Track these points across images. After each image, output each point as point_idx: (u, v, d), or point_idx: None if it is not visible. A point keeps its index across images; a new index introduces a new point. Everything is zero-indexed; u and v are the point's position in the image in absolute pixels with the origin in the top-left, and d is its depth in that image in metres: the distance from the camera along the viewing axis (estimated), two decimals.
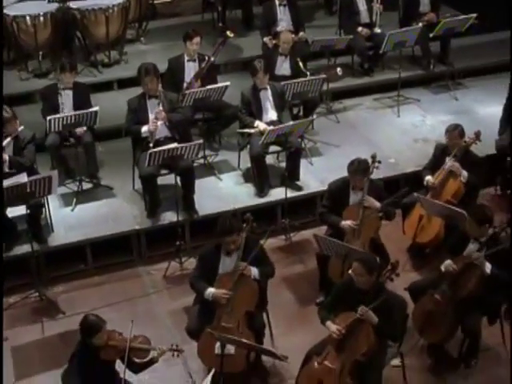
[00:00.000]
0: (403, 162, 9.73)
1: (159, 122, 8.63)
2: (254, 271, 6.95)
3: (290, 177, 9.18)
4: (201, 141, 8.42)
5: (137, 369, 6.29)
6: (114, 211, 8.94)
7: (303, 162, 9.50)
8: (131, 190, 9.26)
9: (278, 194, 9.15)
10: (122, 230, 8.66)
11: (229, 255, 6.98)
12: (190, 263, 8.52)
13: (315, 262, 8.21)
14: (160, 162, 8.19)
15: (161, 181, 8.91)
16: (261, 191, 9.12)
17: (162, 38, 12.13)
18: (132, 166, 9.12)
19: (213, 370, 6.40)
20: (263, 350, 6.76)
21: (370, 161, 7.90)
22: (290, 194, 9.08)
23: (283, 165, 9.49)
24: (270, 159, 9.54)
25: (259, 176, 9.15)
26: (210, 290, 6.89)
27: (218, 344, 6.59)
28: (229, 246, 6.90)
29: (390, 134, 10.37)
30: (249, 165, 9.44)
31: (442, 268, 7.13)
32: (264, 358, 7.26)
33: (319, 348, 6.71)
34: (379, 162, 7.96)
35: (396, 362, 7.19)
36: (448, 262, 7.10)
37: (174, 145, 8.17)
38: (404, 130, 10.55)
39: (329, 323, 6.57)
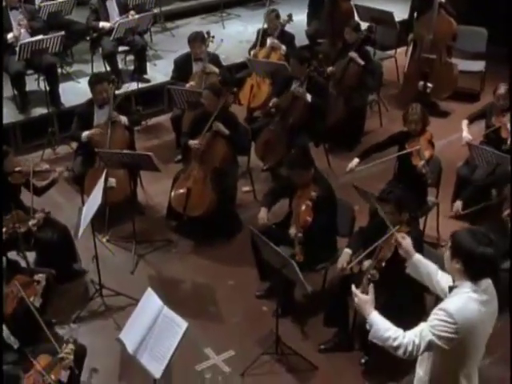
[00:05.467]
0: (232, 56, 11.34)
1: (22, 29, 9.80)
2: (124, 119, 8.33)
3: (139, 71, 10.61)
4: (62, 32, 9.63)
5: (40, 192, 7.44)
6: None
7: (148, 65, 10.95)
8: None
9: (130, 86, 10.50)
10: None
11: (101, 108, 8.30)
12: (62, 149, 9.79)
13: (171, 136, 9.75)
14: (29, 55, 9.32)
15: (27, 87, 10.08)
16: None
17: None
18: None
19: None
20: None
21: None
22: (141, 85, 10.50)
23: (131, 67, 10.96)
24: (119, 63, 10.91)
25: (112, 69, 10.50)
26: (85, 133, 8.19)
27: (102, 179, 7.96)
28: (101, 94, 8.20)
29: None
30: (101, 69, 10.80)
31: (270, 104, 8.83)
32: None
33: (184, 168, 8.19)
34: (213, 36, 9.53)
35: (246, 188, 8.83)
36: (274, 99, 8.82)
37: (40, 36, 9.39)
38: (230, 36, 12.15)
39: (191, 141, 7.93)
